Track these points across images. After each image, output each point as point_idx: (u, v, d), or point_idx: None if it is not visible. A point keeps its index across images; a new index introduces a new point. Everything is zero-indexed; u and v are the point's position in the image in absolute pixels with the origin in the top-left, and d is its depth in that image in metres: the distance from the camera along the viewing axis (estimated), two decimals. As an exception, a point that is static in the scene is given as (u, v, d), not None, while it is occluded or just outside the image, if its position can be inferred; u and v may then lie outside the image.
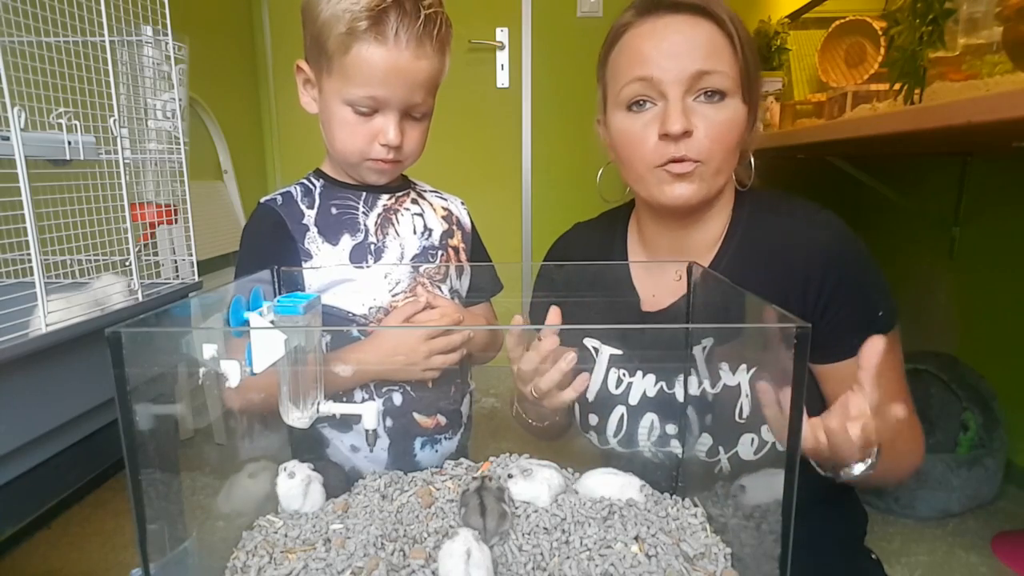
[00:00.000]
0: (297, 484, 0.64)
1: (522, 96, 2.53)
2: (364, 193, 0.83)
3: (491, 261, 0.94)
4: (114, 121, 1.05)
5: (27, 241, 0.80)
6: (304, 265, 0.78)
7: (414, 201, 0.86)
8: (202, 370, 0.54)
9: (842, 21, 1.59)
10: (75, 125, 0.99)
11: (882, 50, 1.46)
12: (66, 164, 0.98)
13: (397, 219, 0.83)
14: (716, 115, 0.70)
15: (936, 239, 1.88)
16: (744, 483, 0.62)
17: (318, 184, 0.83)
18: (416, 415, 0.79)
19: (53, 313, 0.84)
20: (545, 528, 0.59)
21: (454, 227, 0.88)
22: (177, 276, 1.34)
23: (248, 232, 0.83)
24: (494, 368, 0.90)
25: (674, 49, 0.70)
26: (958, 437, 1.62)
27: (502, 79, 2.53)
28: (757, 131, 0.78)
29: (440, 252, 0.85)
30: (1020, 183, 1.65)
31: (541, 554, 0.55)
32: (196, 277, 1.28)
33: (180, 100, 1.36)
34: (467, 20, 2.46)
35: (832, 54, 1.61)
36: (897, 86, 1.08)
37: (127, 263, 1.07)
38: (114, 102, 1.04)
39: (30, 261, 0.81)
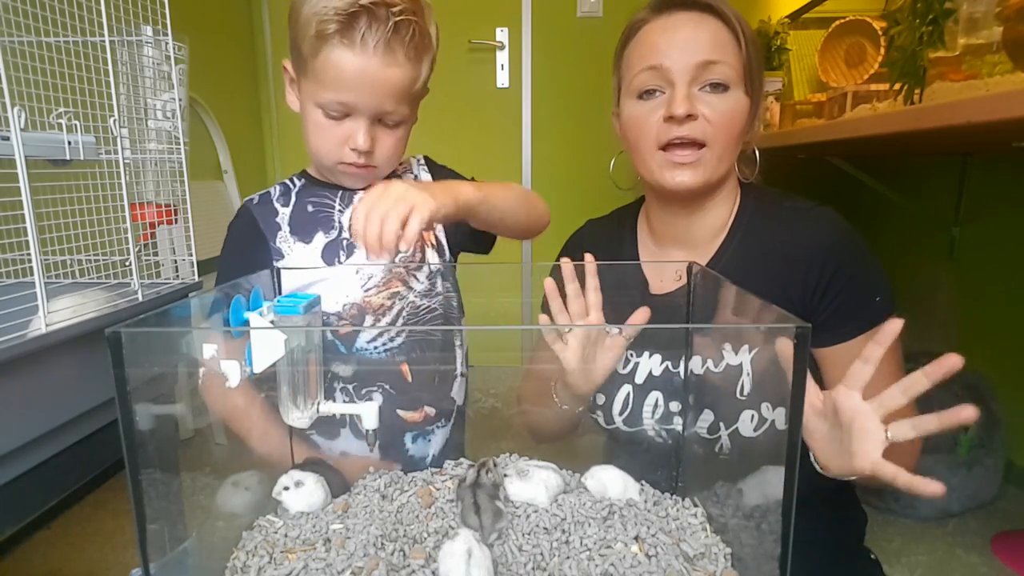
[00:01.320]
0: (308, 493, 0.64)
1: (522, 96, 2.53)
2: (341, 191, 0.83)
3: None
4: (114, 121, 1.05)
5: (27, 241, 0.80)
6: (277, 263, 0.78)
7: None
8: (202, 370, 0.54)
9: (842, 21, 1.59)
10: (75, 125, 0.99)
11: (882, 50, 1.46)
12: (66, 164, 0.98)
13: None
14: (720, 103, 0.76)
15: (936, 239, 1.88)
16: (745, 485, 0.62)
17: (299, 183, 0.84)
18: (400, 411, 0.78)
19: (54, 313, 0.84)
20: (545, 528, 0.58)
21: None
22: (177, 276, 1.33)
23: (228, 230, 0.85)
24: (494, 368, 0.90)
25: (683, 42, 0.76)
26: (958, 437, 1.62)
27: (502, 79, 2.53)
28: (758, 128, 0.82)
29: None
30: (1020, 183, 1.65)
31: (541, 554, 0.55)
32: (196, 277, 1.28)
33: (180, 100, 1.36)
34: (467, 20, 2.46)
35: (832, 54, 1.62)
36: (897, 86, 1.08)
37: (127, 263, 1.07)
38: (114, 102, 1.04)
39: (30, 261, 0.81)
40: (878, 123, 1.11)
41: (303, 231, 0.80)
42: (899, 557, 1.45)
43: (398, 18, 0.69)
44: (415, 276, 0.82)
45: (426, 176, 0.88)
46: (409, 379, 0.78)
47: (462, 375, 0.85)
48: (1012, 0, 0.87)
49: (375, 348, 0.79)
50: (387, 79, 0.72)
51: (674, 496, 0.66)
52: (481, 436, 0.87)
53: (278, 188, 0.84)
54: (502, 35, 2.50)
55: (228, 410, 0.67)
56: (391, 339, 0.79)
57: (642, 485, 0.67)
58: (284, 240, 0.79)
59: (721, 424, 0.70)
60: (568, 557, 0.54)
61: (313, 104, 0.75)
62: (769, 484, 0.51)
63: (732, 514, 0.59)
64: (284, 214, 0.81)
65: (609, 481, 0.66)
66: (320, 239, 0.80)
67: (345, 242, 0.80)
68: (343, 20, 0.68)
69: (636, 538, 0.57)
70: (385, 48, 0.70)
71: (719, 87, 0.75)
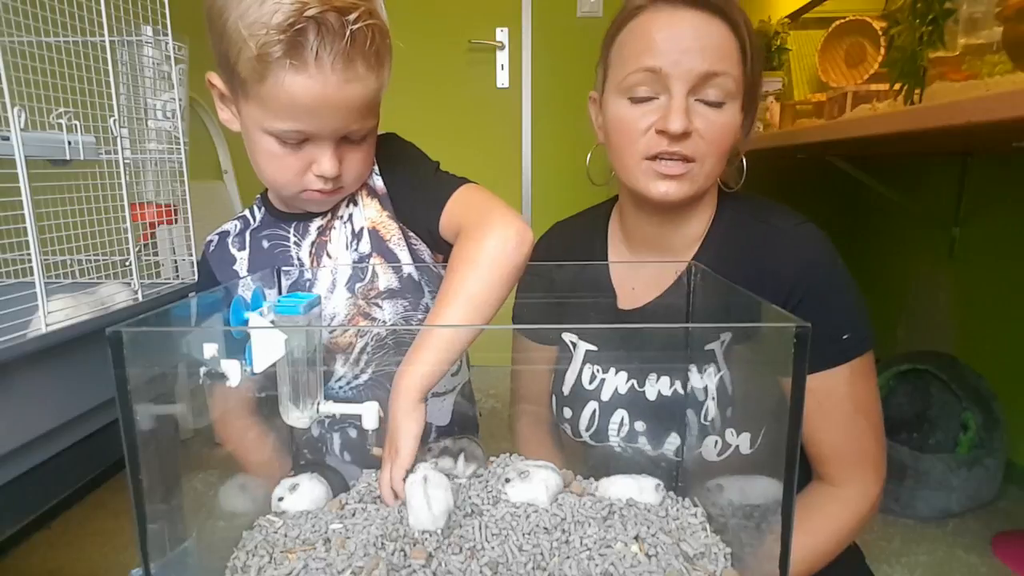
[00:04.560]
0: (306, 492, 0.64)
1: (522, 96, 2.53)
2: (295, 222, 0.76)
3: (426, 172, 0.75)
4: (114, 121, 1.05)
5: (27, 241, 0.80)
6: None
7: (347, 203, 0.76)
8: (202, 370, 0.54)
9: (842, 21, 1.59)
10: (75, 125, 0.99)
11: (882, 50, 1.46)
12: (66, 164, 0.98)
13: (330, 238, 0.75)
14: (716, 118, 0.71)
15: (936, 239, 1.88)
16: (721, 483, 0.63)
17: (259, 215, 0.78)
18: (372, 448, 0.69)
19: (53, 313, 0.84)
20: (545, 528, 0.58)
21: (376, 207, 0.75)
22: (177, 276, 1.34)
23: (197, 274, 0.82)
24: (494, 368, 0.90)
25: (686, 45, 0.69)
26: (958, 437, 1.62)
27: (502, 79, 2.53)
28: (751, 135, 0.79)
29: (371, 255, 0.74)
30: (1020, 183, 1.65)
31: (541, 554, 0.55)
32: (196, 277, 1.28)
33: (180, 100, 1.36)
34: (467, 20, 2.46)
35: (832, 54, 1.62)
36: (897, 86, 1.08)
37: (127, 263, 1.07)
38: (114, 102, 1.04)
39: (30, 261, 0.81)
40: (878, 123, 1.11)
41: (262, 283, 0.73)
42: (899, 557, 1.45)
43: (355, 26, 0.58)
44: (377, 305, 0.74)
45: (379, 184, 0.76)
46: (378, 421, 0.64)
47: (454, 375, 0.81)
48: (1012, 0, 0.87)
49: (340, 388, 0.74)
50: (350, 97, 0.62)
51: (674, 496, 0.66)
52: (481, 436, 0.87)
53: (238, 223, 0.78)
54: (502, 35, 2.50)
55: (230, 442, 0.68)
56: (355, 377, 0.74)
57: (657, 486, 0.66)
58: (246, 289, 0.71)
59: (685, 449, 0.69)
60: (568, 557, 0.54)
61: (261, 131, 0.64)
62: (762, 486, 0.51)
63: (732, 514, 0.59)
64: (241, 259, 0.76)
65: (624, 490, 0.65)
66: (282, 281, 0.75)
67: (308, 283, 0.74)
68: (289, 39, 0.57)
69: (636, 538, 0.57)
70: (344, 64, 0.60)
71: (717, 99, 0.70)
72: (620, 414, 0.76)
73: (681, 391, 0.68)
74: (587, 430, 0.79)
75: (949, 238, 1.84)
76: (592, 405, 0.78)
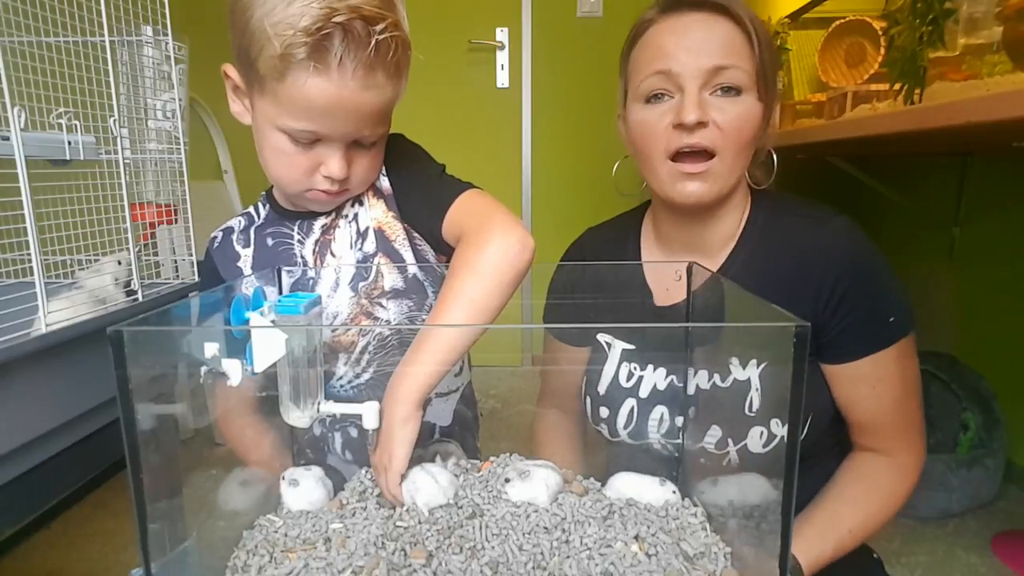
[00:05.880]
0: (308, 491, 0.65)
1: (522, 96, 2.53)
2: (299, 220, 0.76)
3: (431, 175, 0.75)
4: (114, 121, 1.05)
5: (27, 241, 0.81)
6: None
7: (352, 203, 0.76)
8: (203, 369, 0.54)
9: (842, 21, 1.59)
10: (75, 125, 0.99)
11: (882, 50, 1.46)
12: (66, 164, 0.98)
13: (334, 237, 0.75)
14: (731, 108, 0.73)
15: (936, 239, 1.88)
16: (714, 480, 0.64)
17: (263, 212, 0.79)
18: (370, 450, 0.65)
19: (53, 313, 0.84)
20: (545, 528, 0.58)
21: (382, 207, 0.75)
22: (177, 276, 1.34)
23: (201, 273, 0.82)
24: (494, 369, 0.90)
25: (693, 45, 0.73)
26: (958, 437, 1.62)
27: (502, 79, 2.53)
28: (773, 130, 0.79)
29: (376, 254, 0.74)
30: (1020, 183, 1.65)
31: (541, 553, 0.55)
32: (196, 277, 1.28)
33: (180, 100, 1.37)
34: (467, 20, 2.47)
35: (832, 54, 1.62)
36: (897, 86, 1.08)
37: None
38: (114, 102, 1.04)
39: (30, 261, 0.81)
40: (878, 123, 1.11)
41: (264, 279, 0.73)
42: (899, 557, 1.45)
43: (380, 36, 0.59)
44: (381, 305, 0.74)
45: (386, 184, 0.75)
46: (379, 421, 0.62)
47: (457, 375, 0.81)
48: (1012, 0, 0.87)
49: (341, 387, 0.74)
50: (366, 104, 0.63)
51: (674, 495, 0.66)
52: (481, 436, 0.87)
53: (243, 220, 0.79)
54: (502, 35, 2.50)
55: (231, 441, 0.68)
56: (356, 376, 0.74)
57: (662, 481, 0.66)
58: (249, 286, 0.71)
59: (729, 440, 0.69)
60: (568, 556, 0.54)
61: (273, 127, 0.65)
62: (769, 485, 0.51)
63: (732, 514, 0.59)
64: (245, 256, 0.76)
65: (629, 487, 0.65)
66: (284, 279, 0.75)
67: (311, 282, 0.74)
68: (314, 43, 0.57)
69: (636, 537, 0.57)
70: (365, 72, 0.61)
71: (731, 91, 0.72)
72: (660, 410, 0.76)
73: (722, 383, 0.68)
74: (625, 428, 0.79)
75: (949, 238, 1.84)
76: (630, 403, 0.78)
